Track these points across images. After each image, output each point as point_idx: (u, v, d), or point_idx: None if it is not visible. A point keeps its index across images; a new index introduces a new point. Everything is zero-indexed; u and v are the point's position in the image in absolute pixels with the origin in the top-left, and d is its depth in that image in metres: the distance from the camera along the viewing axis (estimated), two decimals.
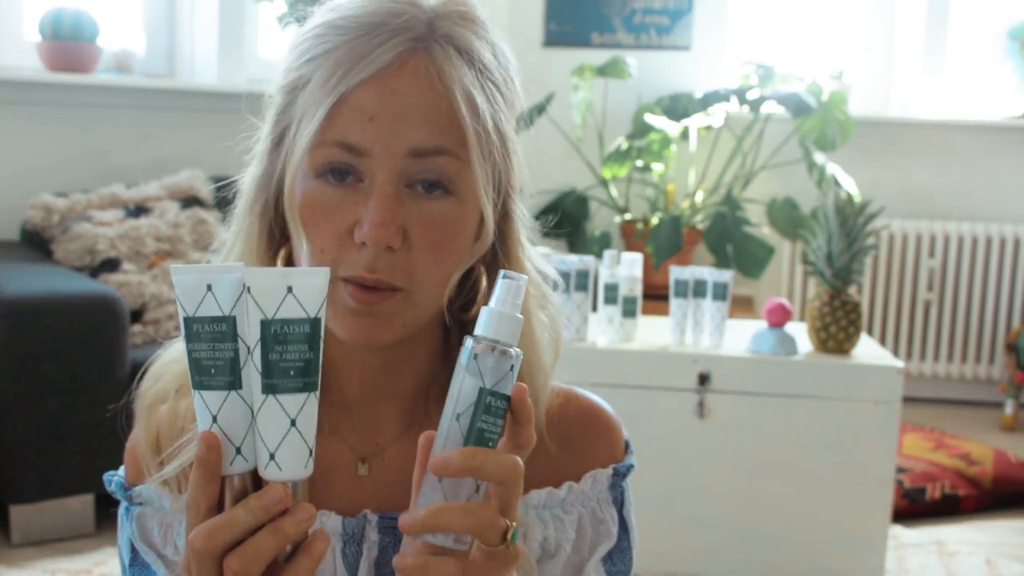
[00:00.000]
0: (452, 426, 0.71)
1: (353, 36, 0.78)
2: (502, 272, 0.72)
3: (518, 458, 0.71)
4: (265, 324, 0.67)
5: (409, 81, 0.77)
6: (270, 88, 0.85)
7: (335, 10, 0.81)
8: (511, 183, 0.85)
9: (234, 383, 0.69)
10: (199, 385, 0.70)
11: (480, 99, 0.79)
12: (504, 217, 0.85)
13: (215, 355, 0.69)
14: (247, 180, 0.85)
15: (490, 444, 0.71)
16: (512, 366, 0.71)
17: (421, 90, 0.77)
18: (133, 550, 0.89)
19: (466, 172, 0.79)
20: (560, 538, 0.87)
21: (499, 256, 0.85)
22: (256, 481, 0.70)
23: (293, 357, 0.68)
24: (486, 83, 0.80)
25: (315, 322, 0.69)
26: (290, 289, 0.68)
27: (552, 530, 0.87)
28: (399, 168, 0.78)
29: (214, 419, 0.69)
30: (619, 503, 0.91)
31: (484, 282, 0.85)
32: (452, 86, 0.78)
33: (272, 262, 0.84)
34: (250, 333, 0.68)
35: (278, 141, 0.83)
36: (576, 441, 0.89)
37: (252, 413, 0.69)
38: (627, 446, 0.93)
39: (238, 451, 0.69)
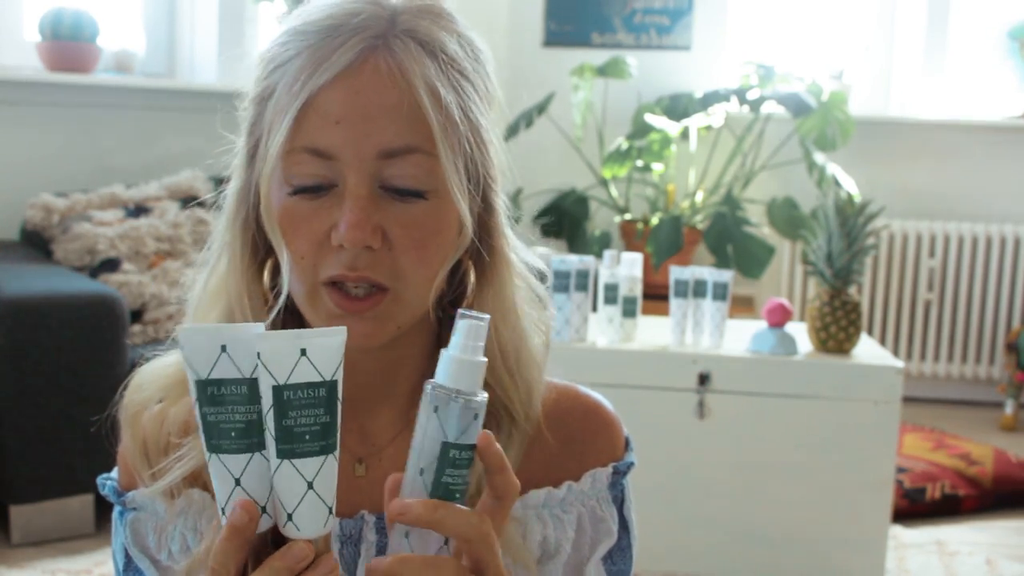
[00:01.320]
0: (416, 480, 0.68)
1: (315, 40, 0.78)
2: (460, 312, 0.70)
3: (484, 516, 0.69)
4: (277, 390, 0.65)
5: (371, 80, 0.76)
6: (242, 101, 0.84)
7: (299, 16, 0.81)
8: (490, 173, 0.83)
9: (258, 444, 0.67)
10: (216, 449, 0.67)
11: (444, 91, 0.78)
12: (486, 209, 0.84)
13: (235, 418, 0.66)
14: (228, 195, 0.84)
15: (457, 496, 0.68)
16: (476, 414, 0.68)
17: (384, 88, 0.76)
18: (127, 555, 0.88)
19: (439, 167, 0.78)
20: (560, 537, 0.87)
21: (483, 249, 0.84)
22: (276, 531, 0.68)
23: (308, 422, 0.65)
24: (451, 73, 0.79)
25: (331, 385, 0.66)
26: (303, 352, 0.65)
27: (552, 529, 0.87)
28: (370, 170, 0.77)
29: (237, 482, 0.67)
30: (619, 501, 0.90)
31: (472, 276, 0.85)
32: (414, 80, 0.77)
33: (258, 275, 0.84)
34: (264, 398, 0.65)
35: (252, 153, 0.82)
36: (576, 438, 0.89)
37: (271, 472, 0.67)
38: (627, 443, 0.93)
39: (263, 510, 0.68)
